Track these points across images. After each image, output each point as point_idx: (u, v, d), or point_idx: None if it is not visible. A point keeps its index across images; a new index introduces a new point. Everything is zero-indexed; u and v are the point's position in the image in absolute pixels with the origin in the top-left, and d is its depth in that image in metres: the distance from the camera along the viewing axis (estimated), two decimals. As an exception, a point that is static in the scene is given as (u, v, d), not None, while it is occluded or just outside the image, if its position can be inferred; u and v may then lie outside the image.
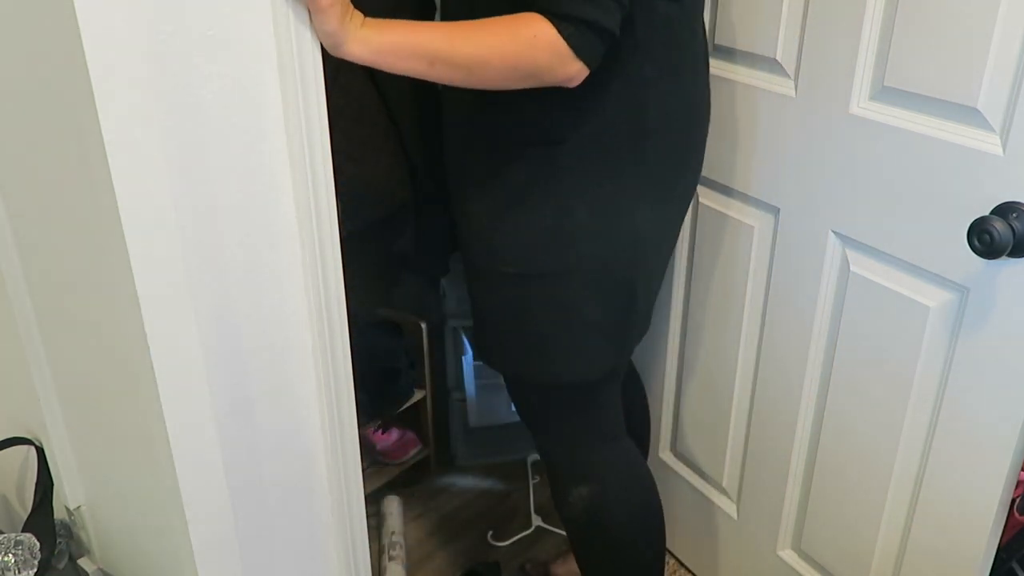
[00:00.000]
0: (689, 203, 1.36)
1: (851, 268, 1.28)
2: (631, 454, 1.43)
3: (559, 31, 0.99)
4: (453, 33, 1.02)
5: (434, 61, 1.00)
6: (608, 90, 1.11)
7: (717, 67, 1.42)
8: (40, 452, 1.32)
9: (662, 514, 1.45)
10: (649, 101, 1.14)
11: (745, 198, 1.44)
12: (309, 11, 0.92)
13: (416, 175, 1.47)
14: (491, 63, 1.02)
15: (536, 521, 1.95)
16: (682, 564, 1.83)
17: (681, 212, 1.34)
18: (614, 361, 1.31)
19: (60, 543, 1.35)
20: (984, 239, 1.03)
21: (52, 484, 1.33)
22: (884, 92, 1.17)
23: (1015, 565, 1.29)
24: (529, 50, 1.01)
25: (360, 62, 0.99)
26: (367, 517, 1.25)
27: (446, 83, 1.05)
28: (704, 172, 1.43)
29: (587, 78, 1.04)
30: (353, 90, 1.35)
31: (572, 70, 1.02)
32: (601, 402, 1.37)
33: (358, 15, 0.97)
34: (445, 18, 1.24)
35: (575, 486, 1.38)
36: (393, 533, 1.87)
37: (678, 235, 1.37)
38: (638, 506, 1.42)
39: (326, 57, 0.97)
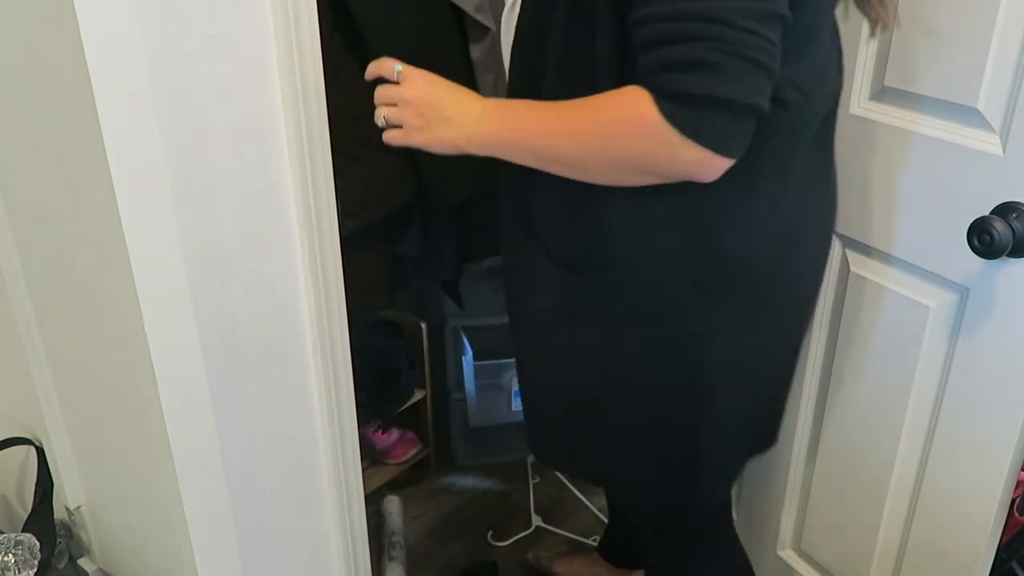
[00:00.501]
0: (798, 330, 1.15)
1: (851, 268, 1.28)
2: (729, 558, 1.33)
3: (661, 112, 0.78)
4: (550, 126, 0.87)
5: (541, 160, 0.89)
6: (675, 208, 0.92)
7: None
8: (40, 452, 1.32)
9: None
10: (721, 219, 0.94)
11: (745, 198, 1.44)
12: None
13: (421, 177, 1.45)
14: (588, 162, 0.86)
15: (536, 521, 1.95)
16: (682, 564, 1.83)
17: (777, 343, 1.10)
18: (680, 500, 1.16)
19: (60, 543, 1.35)
20: (984, 239, 1.03)
21: (52, 484, 1.33)
22: (884, 92, 1.17)
23: (1015, 565, 1.29)
24: (620, 143, 0.82)
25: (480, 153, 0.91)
26: (367, 517, 1.25)
27: (567, 176, 0.90)
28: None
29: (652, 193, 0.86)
30: (354, 90, 1.35)
31: (688, 158, 0.80)
32: (707, 534, 1.26)
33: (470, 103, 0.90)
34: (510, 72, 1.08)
35: None
36: (393, 533, 1.87)
37: (784, 366, 1.17)
38: None
39: (326, 57, 0.97)
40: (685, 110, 0.77)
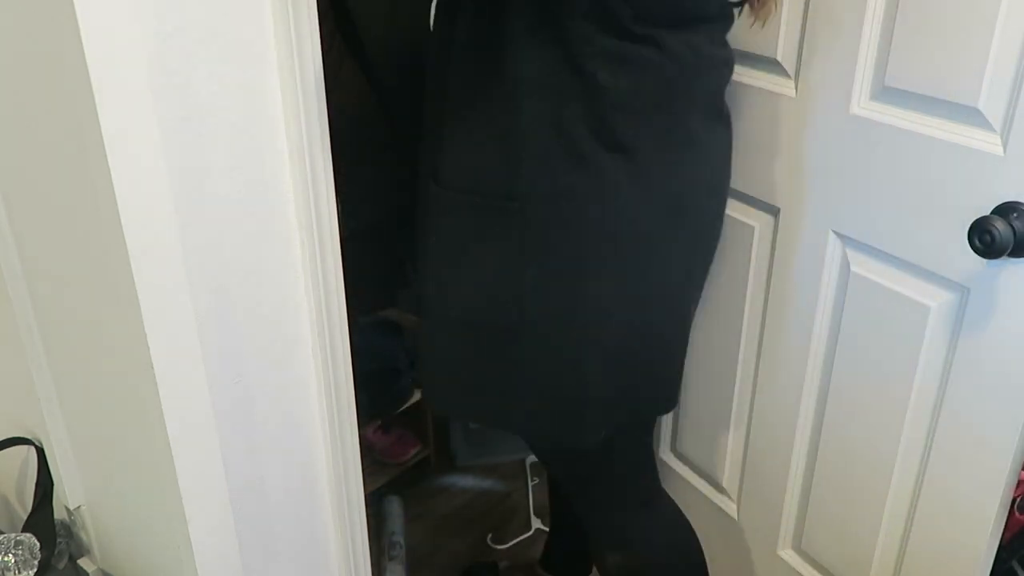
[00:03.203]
0: (691, 286, 1.21)
1: (851, 268, 1.28)
2: (668, 518, 1.35)
3: None
4: None
5: None
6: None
7: (717, 67, 1.42)
8: (40, 452, 1.32)
9: (705, 570, 1.38)
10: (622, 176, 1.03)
11: (745, 198, 1.44)
12: None
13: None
14: None
15: (536, 523, 1.95)
16: (682, 564, 1.83)
17: (669, 293, 1.17)
18: (567, 441, 1.19)
19: (60, 543, 1.35)
20: (985, 239, 1.03)
21: (52, 484, 1.33)
22: (884, 92, 1.17)
23: (1015, 565, 1.28)
24: None
25: None
26: (367, 517, 1.25)
27: None
28: (704, 172, 1.42)
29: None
30: (354, 89, 1.35)
31: None
32: (615, 465, 1.27)
33: None
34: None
35: (609, 552, 1.32)
36: (393, 533, 1.87)
37: (678, 320, 1.21)
38: (678, 570, 1.36)
39: (326, 57, 0.97)
40: None
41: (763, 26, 1.17)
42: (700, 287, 1.26)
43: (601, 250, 1.06)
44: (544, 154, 1.02)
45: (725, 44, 1.15)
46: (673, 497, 1.59)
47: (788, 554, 1.55)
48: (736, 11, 1.15)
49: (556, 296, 1.07)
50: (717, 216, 1.22)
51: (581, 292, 1.08)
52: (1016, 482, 1.15)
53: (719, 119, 1.16)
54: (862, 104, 1.20)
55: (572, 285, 1.07)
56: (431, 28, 1.16)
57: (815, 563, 1.50)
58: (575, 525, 1.52)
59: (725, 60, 1.14)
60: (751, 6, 1.15)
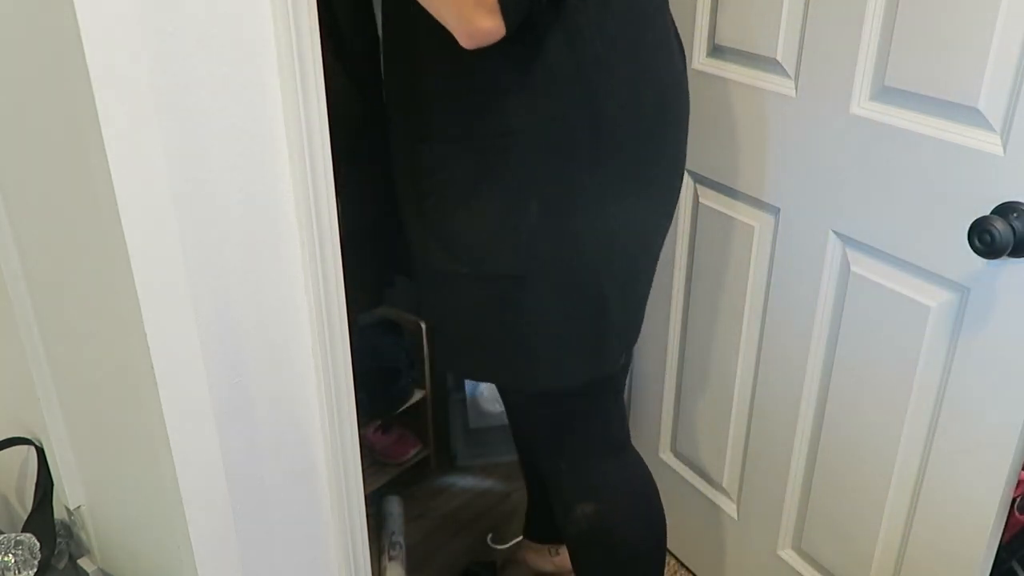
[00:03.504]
0: (673, 200, 1.23)
1: (851, 268, 1.28)
2: (635, 467, 1.38)
3: None
4: None
5: None
6: (557, 73, 1.02)
7: (717, 67, 1.42)
8: (40, 452, 1.32)
9: (665, 526, 1.42)
10: (604, 84, 1.04)
11: (745, 198, 1.44)
12: None
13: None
14: None
15: (536, 522, 1.95)
16: (682, 564, 1.83)
17: (660, 209, 1.20)
18: (592, 372, 1.21)
19: (60, 543, 1.35)
20: (985, 239, 1.03)
21: (52, 484, 1.33)
22: (884, 92, 1.17)
23: (1015, 564, 1.29)
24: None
25: None
26: (367, 517, 1.25)
27: None
28: (704, 172, 1.43)
29: (536, 60, 0.98)
30: (354, 88, 1.35)
31: (484, 25, 0.92)
32: (594, 414, 1.30)
33: None
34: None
35: (577, 503, 1.33)
36: (393, 533, 1.87)
37: (663, 235, 1.24)
38: (642, 522, 1.38)
39: (326, 57, 0.96)
40: None
41: None
42: (673, 205, 1.26)
43: (597, 170, 1.07)
44: (530, 86, 1.02)
45: None
46: (673, 497, 1.60)
47: (788, 554, 1.55)
48: None
49: (562, 228, 1.08)
50: (685, 119, 1.21)
51: (587, 219, 1.08)
52: (1016, 482, 1.15)
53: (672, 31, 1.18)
54: (862, 104, 1.20)
55: (575, 213, 1.08)
56: None
57: (815, 563, 1.50)
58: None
59: None
60: None
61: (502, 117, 1.05)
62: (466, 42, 0.94)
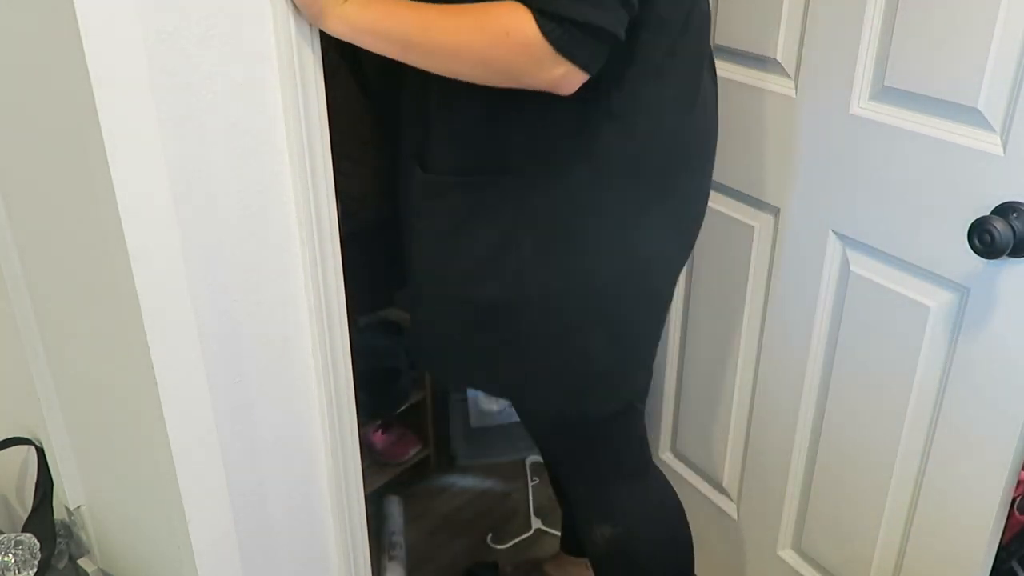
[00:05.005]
0: (689, 243, 1.21)
1: (851, 268, 1.28)
2: (658, 491, 1.35)
3: (541, 30, 0.88)
4: (430, 18, 0.93)
5: (408, 47, 0.94)
6: (561, 117, 1.00)
7: (717, 67, 1.42)
8: (40, 452, 1.32)
9: (691, 551, 1.39)
10: (618, 139, 1.03)
11: (745, 198, 1.44)
12: None
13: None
14: (461, 57, 0.93)
15: (536, 523, 1.95)
16: (682, 564, 1.83)
17: (677, 244, 1.18)
18: (604, 401, 1.20)
19: (60, 543, 1.35)
20: (984, 239, 1.03)
21: (52, 484, 1.33)
22: (884, 92, 1.17)
23: (1015, 565, 1.29)
24: (497, 49, 0.91)
25: (340, 37, 0.95)
26: (367, 517, 1.25)
27: (426, 69, 0.96)
28: (704, 172, 1.42)
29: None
30: (353, 88, 1.35)
31: (556, 73, 0.91)
32: (614, 438, 1.27)
33: None
34: None
35: (598, 524, 1.31)
36: (393, 533, 1.87)
37: (678, 267, 1.21)
38: (665, 544, 1.36)
39: (326, 56, 0.96)
40: (562, 30, 0.88)
41: None
42: (689, 249, 1.24)
43: (594, 216, 1.05)
44: (533, 125, 1.02)
45: None
46: (673, 497, 1.58)
47: (788, 554, 1.55)
48: None
49: (553, 267, 1.07)
50: (706, 175, 1.19)
51: (577, 261, 1.07)
52: (1016, 482, 1.15)
53: (711, 69, 1.16)
54: (862, 104, 1.20)
55: (568, 255, 1.07)
56: None
57: (815, 563, 1.50)
58: None
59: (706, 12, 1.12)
60: None
61: (506, 156, 1.05)
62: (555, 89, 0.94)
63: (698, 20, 1.06)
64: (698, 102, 1.10)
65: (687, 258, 1.24)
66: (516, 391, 1.23)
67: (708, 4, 1.10)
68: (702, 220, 1.21)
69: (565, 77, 0.91)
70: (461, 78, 0.95)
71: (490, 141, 1.04)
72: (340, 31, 0.94)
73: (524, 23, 0.88)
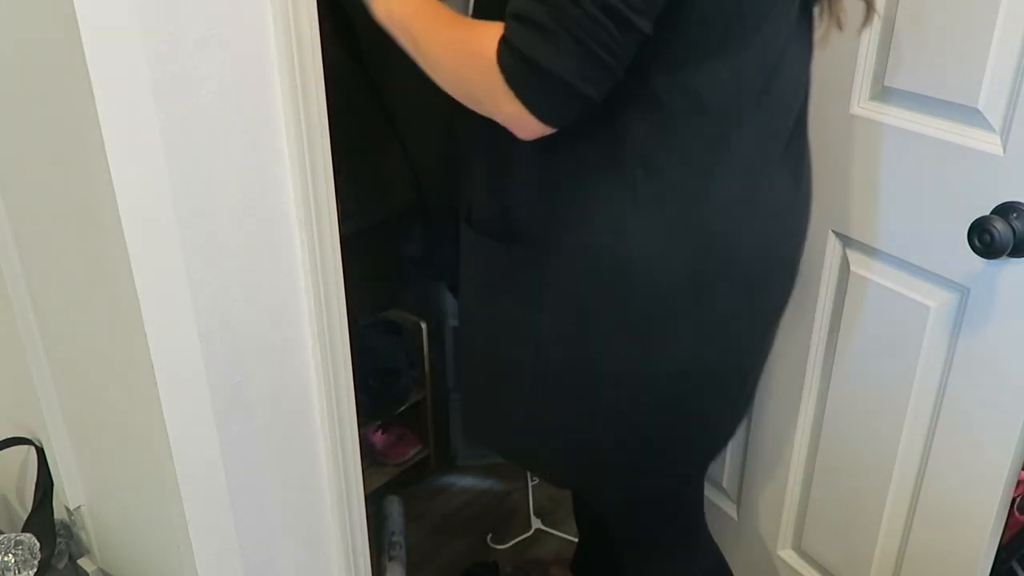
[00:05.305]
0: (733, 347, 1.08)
1: (851, 268, 1.28)
2: (711, 568, 1.32)
3: (498, 57, 0.80)
4: (436, 25, 0.89)
5: (416, 49, 0.91)
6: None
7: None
8: (40, 452, 1.32)
9: None
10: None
11: (745, 198, 1.44)
12: None
13: (418, 178, 1.45)
14: (440, 70, 0.89)
15: (536, 523, 1.95)
16: (682, 564, 1.83)
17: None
18: (628, 493, 1.16)
19: (60, 543, 1.35)
20: (984, 239, 1.03)
21: (52, 484, 1.33)
22: (884, 92, 1.17)
23: (1015, 564, 1.29)
24: (466, 70, 0.85)
25: (380, 24, 0.92)
26: (367, 517, 1.25)
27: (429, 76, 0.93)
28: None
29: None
30: (354, 88, 1.35)
31: (506, 110, 0.82)
32: (674, 521, 1.24)
33: None
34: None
35: None
36: (393, 533, 1.87)
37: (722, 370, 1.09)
38: None
39: (326, 57, 0.97)
40: (515, 64, 0.80)
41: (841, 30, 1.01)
42: (761, 356, 1.14)
43: (614, 311, 0.97)
44: (567, 204, 0.95)
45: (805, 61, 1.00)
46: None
47: (788, 554, 1.55)
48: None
49: (567, 350, 1.02)
50: (776, 279, 1.07)
51: (592, 352, 1.01)
52: (1016, 482, 1.15)
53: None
54: (862, 104, 1.20)
55: (583, 343, 1.01)
56: None
57: (815, 563, 1.50)
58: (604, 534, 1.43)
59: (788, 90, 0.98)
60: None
61: (540, 228, 0.99)
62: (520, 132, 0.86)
63: (775, 102, 0.93)
64: (758, 202, 0.96)
65: (759, 366, 1.14)
66: (537, 461, 1.20)
67: (803, 76, 0.96)
68: (777, 324, 1.12)
69: (516, 117, 0.83)
70: (450, 93, 0.91)
71: (526, 206, 0.99)
72: (380, 18, 0.93)
73: (490, 47, 0.81)
